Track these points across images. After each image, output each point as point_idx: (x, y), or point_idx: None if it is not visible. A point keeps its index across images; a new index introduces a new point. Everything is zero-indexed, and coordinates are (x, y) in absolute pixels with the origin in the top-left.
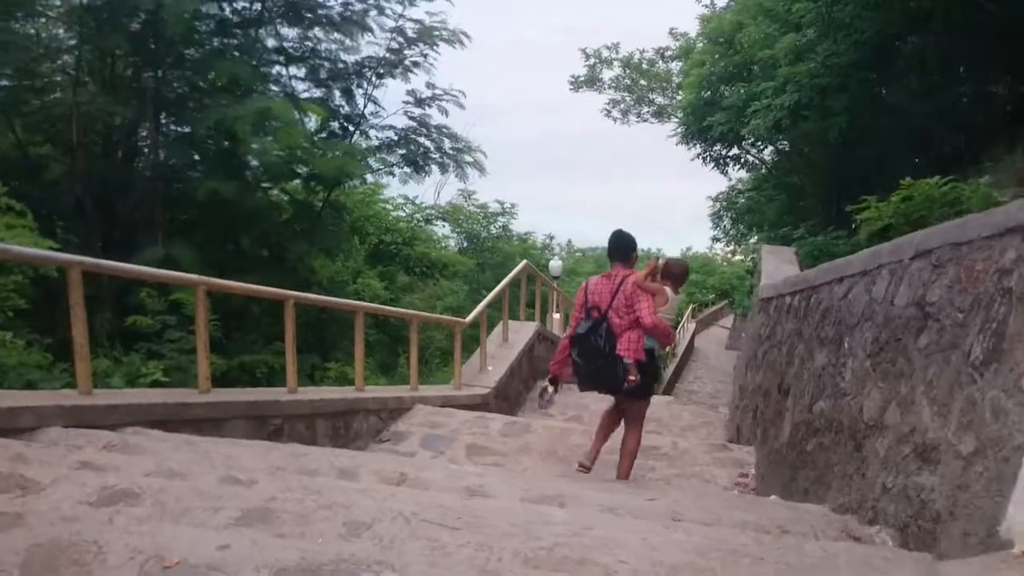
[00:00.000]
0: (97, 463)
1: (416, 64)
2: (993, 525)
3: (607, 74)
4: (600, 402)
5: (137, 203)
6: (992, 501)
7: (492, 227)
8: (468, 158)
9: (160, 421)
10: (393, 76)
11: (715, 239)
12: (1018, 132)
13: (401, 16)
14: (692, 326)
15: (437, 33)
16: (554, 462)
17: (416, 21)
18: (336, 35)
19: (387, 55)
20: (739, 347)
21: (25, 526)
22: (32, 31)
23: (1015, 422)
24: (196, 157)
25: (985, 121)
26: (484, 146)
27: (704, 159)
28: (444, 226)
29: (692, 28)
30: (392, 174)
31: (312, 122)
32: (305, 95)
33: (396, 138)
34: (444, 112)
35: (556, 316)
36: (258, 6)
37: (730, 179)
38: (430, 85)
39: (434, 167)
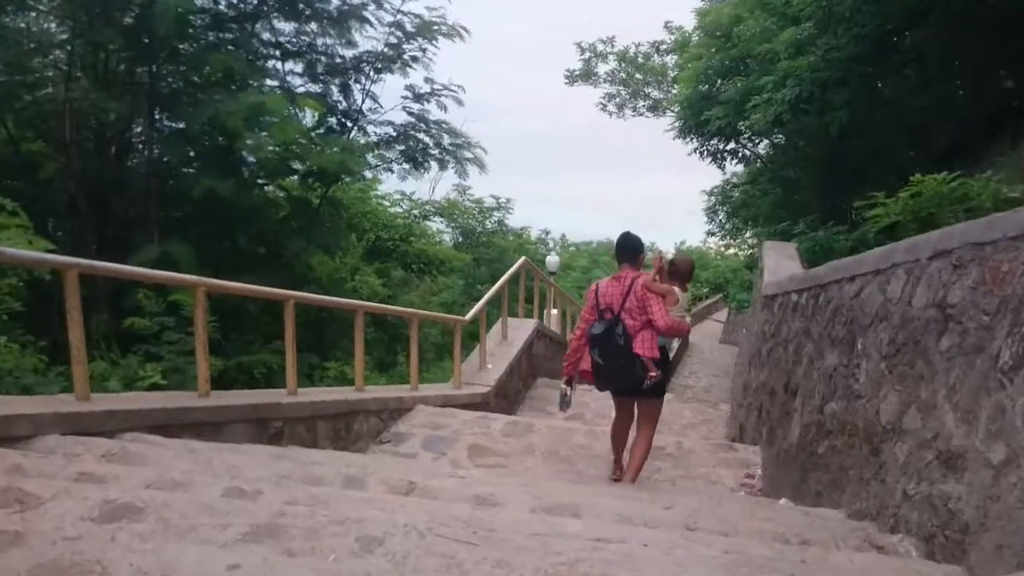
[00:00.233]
0: (97, 473)
1: (415, 59)
2: None
3: (602, 68)
4: (600, 400)
5: (131, 201)
6: None
7: (488, 222)
8: (468, 154)
9: (159, 426)
10: (391, 71)
11: (710, 233)
12: (1020, 128)
13: (399, 11)
14: (688, 320)
15: (436, 27)
16: (557, 463)
17: (415, 15)
18: (333, 29)
19: (385, 50)
20: (734, 341)
21: (25, 545)
22: (23, 25)
23: None
24: (191, 153)
25: (984, 116)
26: (479, 142)
27: (701, 153)
28: (440, 221)
29: (686, 22)
30: (391, 170)
31: (309, 118)
32: (302, 90)
33: (395, 134)
34: (443, 108)
35: (554, 312)
36: (253, 0)
37: (725, 173)
38: (429, 80)
39: (433, 163)
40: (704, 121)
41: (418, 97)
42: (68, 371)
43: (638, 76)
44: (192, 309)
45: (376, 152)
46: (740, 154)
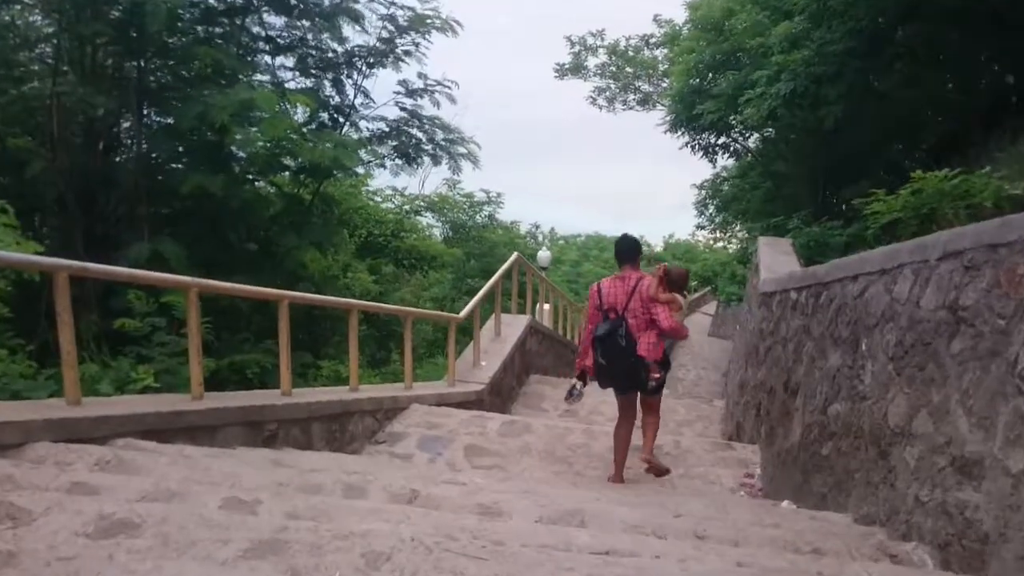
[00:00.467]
0: (91, 484)
1: (408, 53)
2: None
3: (592, 61)
4: (594, 396)
5: (120, 197)
6: None
7: (478, 216)
8: (461, 149)
9: (153, 431)
10: (384, 66)
11: (699, 227)
12: (1020, 123)
13: (392, 3)
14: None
15: (430, 21)
16: (554, 463)
17: (408, 8)
18: (324, 24)
19: (378, 44)
20: (723, 334)
21: (19, 567)
22: (8, 18)
23: None
24: (180, 149)
25: (976, 110)
26: (473, 136)
27: (693, 148)
28: (431, 216)
29: (676, 15)
30: (383, 166)
31: (300, 113)
32: (293, 85)
33: (387, 129)
34: (436, 103)
35: (547, 307)
36: None
37: (715, 166)
38: (422, 75)
39: (426, 158)
40: (696, 115)
41: (411, 92)
42: (58, 374)
43: (628, 70)
44: (185, 310)
45: (369, 148)
46: (732, 148)
